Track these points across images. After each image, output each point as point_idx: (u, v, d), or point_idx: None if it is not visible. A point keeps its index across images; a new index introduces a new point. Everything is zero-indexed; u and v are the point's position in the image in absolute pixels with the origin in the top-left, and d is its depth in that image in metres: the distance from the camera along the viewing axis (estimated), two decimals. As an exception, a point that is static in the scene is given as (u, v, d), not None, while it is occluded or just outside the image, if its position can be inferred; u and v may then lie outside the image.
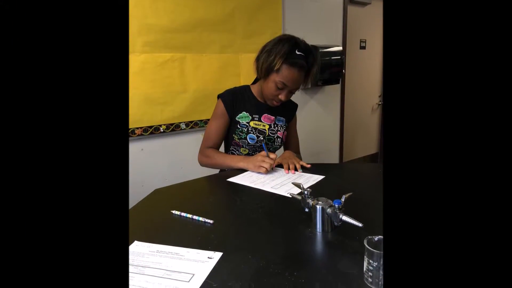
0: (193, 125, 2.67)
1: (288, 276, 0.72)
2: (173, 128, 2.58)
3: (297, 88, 1.55)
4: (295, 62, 1.44)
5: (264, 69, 1.49)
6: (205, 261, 0.78)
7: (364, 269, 0.69)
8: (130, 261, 0.79)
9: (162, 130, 2.54)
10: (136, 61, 2.34)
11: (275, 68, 1.45)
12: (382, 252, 0.64)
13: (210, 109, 1.84)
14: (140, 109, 2.41)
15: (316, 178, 1.38)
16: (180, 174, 2.60)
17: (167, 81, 2.48)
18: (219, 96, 1.66)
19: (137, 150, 2.48)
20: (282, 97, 1.53)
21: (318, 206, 0.89)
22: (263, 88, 1.57)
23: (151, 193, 1.26)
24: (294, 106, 1.82)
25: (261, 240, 0.88)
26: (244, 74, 2.81)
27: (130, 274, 0.74)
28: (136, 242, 0.87)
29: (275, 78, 1.48)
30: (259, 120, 1.65)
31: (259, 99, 1.66)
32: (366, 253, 0.68)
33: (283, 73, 1.45)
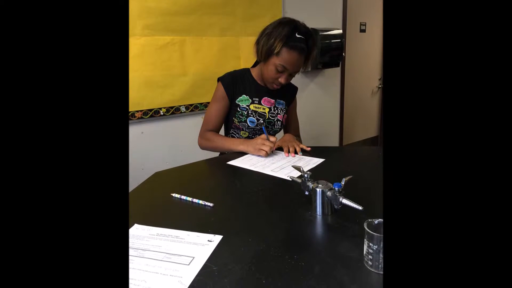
0: (193, 108, 2.66)
1: (288, 259, 0.72)
2: (173, 111, 2.57)
3: (297, 71, 1.54)
4: (295, 45, 1.43)
5: (264, 52, 1.48)
6: (205, 244, 0.79)
7: (364, 252, 0.69)
8: (130, 244, 0.79)
9: (162, 113, 2.52)
10: (136, 44, 2.31)
11: (275, 51, 1.44)
12: (382, 235, 0.65)
13: (210, 92, 1.83)
14: (140, 92, 2.40)
15: (316, 161, 1.38)
16: (180, 157, 2.60)
17: (167, 64, 2.47)
18: (219, 79, 1.65)
19: (137, 133, 2.47)
20: (282, 80, 1.52)
21: (318, 189, 0.90)
22: (263, 71, 1.56)
23: (151, 176, 1.26)
24: (294, 89, 1.81)
25: (261, 223, 0.89)
26: (244, 57, 2.79)
27: (130, 257, 0.74)
28: (136, 225, 0.88)
29: (275, 61, 1.47)
30: (259, 103, 1.64)
31: (259, 82, 1.65)
32: (366, 236, 0.68)
33: (283, 56, 1.45)
